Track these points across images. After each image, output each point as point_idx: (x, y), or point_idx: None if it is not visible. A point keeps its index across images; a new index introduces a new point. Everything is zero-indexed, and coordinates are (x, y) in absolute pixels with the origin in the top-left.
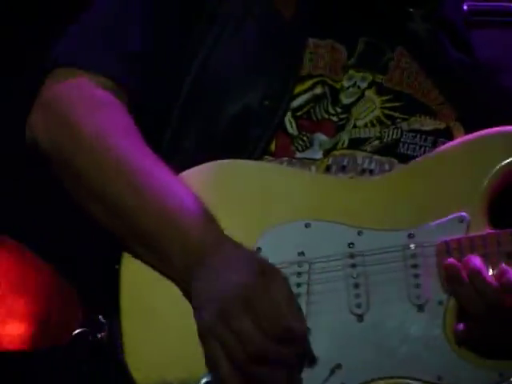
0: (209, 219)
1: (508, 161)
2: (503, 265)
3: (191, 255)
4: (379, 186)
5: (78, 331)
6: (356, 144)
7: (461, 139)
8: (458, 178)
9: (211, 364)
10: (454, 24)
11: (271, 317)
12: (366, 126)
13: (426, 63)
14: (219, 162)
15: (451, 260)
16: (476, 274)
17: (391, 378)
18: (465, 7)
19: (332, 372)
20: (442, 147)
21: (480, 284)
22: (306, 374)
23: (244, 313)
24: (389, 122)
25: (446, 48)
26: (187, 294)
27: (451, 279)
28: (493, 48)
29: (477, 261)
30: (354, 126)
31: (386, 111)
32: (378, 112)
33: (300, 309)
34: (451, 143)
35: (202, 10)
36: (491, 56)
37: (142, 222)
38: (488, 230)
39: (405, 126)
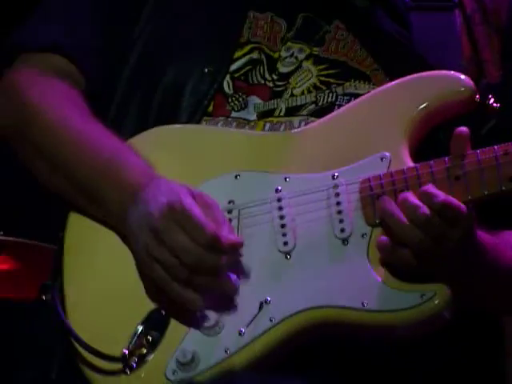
0: (143, 165)
1: (426, 104)
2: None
3: (126, 196)
4: (304, 135)
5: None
6: (293, 111)
7: (381, 87)
8: (379, 121)
9: (161, 287)
10: (393, 2)
11: (198, 226)
12: (302, 93)
13: (361, 34)
14: (153, 129)
15: (385, 199)
16: (414, 209)
17: (317, 308)
18: None
19: (261, 307)
20: (362, 96)
21: (418, 219)
22: (237, 312)
23: (173, 227)
24: (324, 88)
25: (382, 20)
26: (126, 240)
27: (389, 223)
28: (429, 28)
29: (411, 197)
30: (292, 95)
31: (322, 78)
32: (314, 79)
33: (231, 224)
34: (372, 92)
35: None
36: (427, 35)
37: (81, 177)
38: (408, 165)
39: (340, 90)
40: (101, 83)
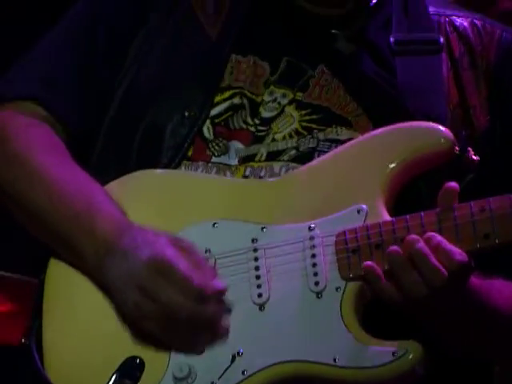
0: (115, 215)
1: (403, 157)
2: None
3: (100, 249)
4: (281, 185)
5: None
6: (274, 156)
7: (360, 137)
8: (357, 173)
9: (155, 341)
10: (379, 47)
11: (186, 279)
12: (284, 138)
13: (345, 79)
14: (134, 173)
15: (394, 248)
16: (424, 257)
17: (289, 362)
18: (391, 39)
19: (233, 359)
20: (341, 146)
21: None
22: (209, 363)
23: (162, 283)
24: (306, 133)
25: (367, 66)
26: (108, 291)
27: (395, 266)
28: (414, 73)
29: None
30: (273, 140)
31: (304, 123)
32: (296, 125)
33: (212, 267)
34: (350, 142)
35: (137, 31)
36: (412, 80)
37: (56, 226)
38: (384, 219)
39: (321, 135)
40: (81, 130)
